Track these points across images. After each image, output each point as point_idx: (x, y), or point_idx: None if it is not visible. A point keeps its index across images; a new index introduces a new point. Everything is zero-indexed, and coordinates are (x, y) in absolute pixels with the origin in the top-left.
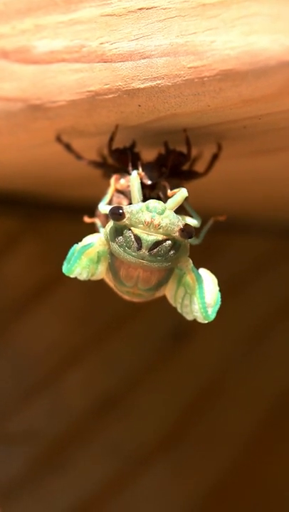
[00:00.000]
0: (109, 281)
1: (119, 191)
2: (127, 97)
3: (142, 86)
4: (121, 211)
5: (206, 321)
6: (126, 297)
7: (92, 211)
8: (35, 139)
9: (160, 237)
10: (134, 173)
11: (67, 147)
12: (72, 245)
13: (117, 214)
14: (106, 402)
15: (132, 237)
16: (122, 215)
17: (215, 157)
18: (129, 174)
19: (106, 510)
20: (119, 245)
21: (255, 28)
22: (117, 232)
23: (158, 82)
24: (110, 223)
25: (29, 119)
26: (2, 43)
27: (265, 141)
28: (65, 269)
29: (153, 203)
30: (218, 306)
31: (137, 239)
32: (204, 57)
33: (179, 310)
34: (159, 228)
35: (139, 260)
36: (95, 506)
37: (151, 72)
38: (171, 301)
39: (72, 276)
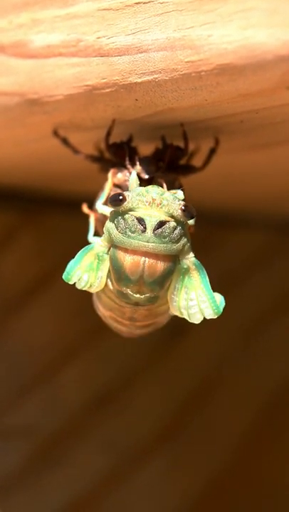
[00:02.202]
0: (104, 306)
1: (116, 185)
2: (124, 91)
3: (139, 80)
4: (121, 197)
5: (216, 315)
6: (126, 315)
7: (90, 205)
8: (32, 133)
9: (163, 217)
10: (134, 174)
11: (64, 141)
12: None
13: (118, 200)
14: (102, 398)
15: (135, 219)
16: (122, 200)
17: (212, 151)
18: (127, 168)
19: (102, 505)
20: (122, 232)
21: (253, 22)
22: (119, 219)
23: (155, 76)
24: (111, 216)
25: (26, 114)
26: None
27: (262, 135)
28: (64, 275)
29: (152, 186)
30: (223, 303)
31: (140, 220)
32: (201, 51)
33: (186, 315)
34: (161, 207)
35: (144, 243)
36: (92, 501)
37: (148, 66)
38: (175, 311)
39: (71, 282)
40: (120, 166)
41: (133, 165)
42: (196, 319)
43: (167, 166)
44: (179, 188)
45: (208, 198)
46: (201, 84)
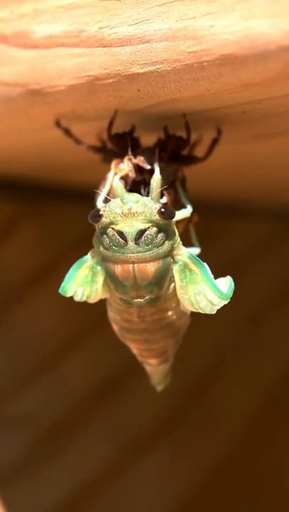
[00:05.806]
0: (115, 311)
1: None
2: (126, 81)
3: (141, 71)
4: (100, 212)
5: (225, 301)
6: (134, 314)
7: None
8: (34, 123)
9: (142, 226)
10: (116, 179)
11: (67, 132)
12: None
13: (97, 216)
14: (105, 387)
15: (116, 234)
16: (100, 216)
17: (214, 142)
18: (129, 159)
19: (105, 494)
20: (107, 248)
21: (255, 12)
22: (102, 235)
23: (157, 66)
24: (96, 232)
25: (28, 104)
26: (1, 27)
27: (265, 125)
28: (60, 289)
29: (127, 195)
30: (232, 286)
31: (120, 234)
32: (204, 41)
33: (199, 309)
34: (138, 215)
35: (128, 255)
36: (94, 490)
37: (150, 56)
38: (189, 307)
39: (68, 295)
40: (123, 156)
41: (135, 155)
42: (209, 310)
43: (169, 156)
44: (181, 179)
45: (211, 188)
46: (203, 74)
